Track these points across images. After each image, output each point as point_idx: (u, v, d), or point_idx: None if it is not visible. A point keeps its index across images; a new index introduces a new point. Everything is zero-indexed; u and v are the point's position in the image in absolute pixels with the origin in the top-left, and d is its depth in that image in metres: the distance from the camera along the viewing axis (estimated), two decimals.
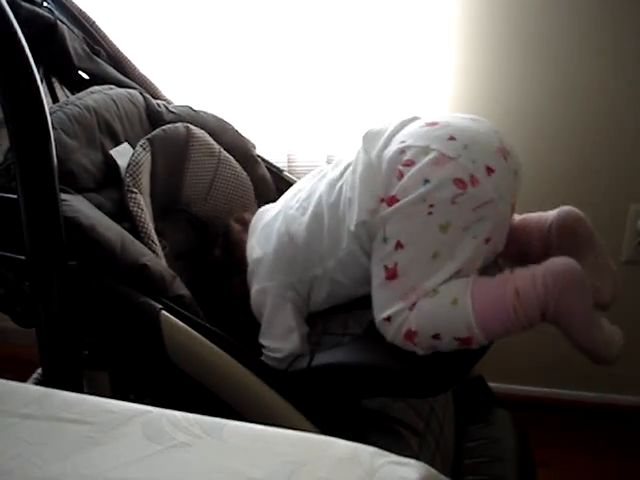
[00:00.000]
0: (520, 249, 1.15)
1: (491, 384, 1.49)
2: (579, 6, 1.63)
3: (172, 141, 1.35)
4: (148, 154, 1.29)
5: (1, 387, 0.83)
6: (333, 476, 0.65)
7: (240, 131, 1.54)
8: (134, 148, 1.30)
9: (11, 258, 1.06)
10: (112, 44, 1.46)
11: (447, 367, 1.04)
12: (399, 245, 1.01)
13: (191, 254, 1.39)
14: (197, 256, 1.39)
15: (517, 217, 1.19)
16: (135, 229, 1.17)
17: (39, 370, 1.30)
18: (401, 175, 1.01)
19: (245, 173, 1.47)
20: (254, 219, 1.29)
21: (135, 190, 1.21)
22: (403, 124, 1.09)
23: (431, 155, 1.00)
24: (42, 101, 0.88)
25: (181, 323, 1.06)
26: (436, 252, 1.00)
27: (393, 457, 0.67)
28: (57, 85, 1.38)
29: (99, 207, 1.17)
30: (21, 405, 0.78)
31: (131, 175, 1.23)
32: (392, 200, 1.02)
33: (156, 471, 0.67)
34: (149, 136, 1.31)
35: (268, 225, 1.22)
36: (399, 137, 1.06)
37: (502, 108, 1.74)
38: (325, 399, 1.10)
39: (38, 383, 1.25)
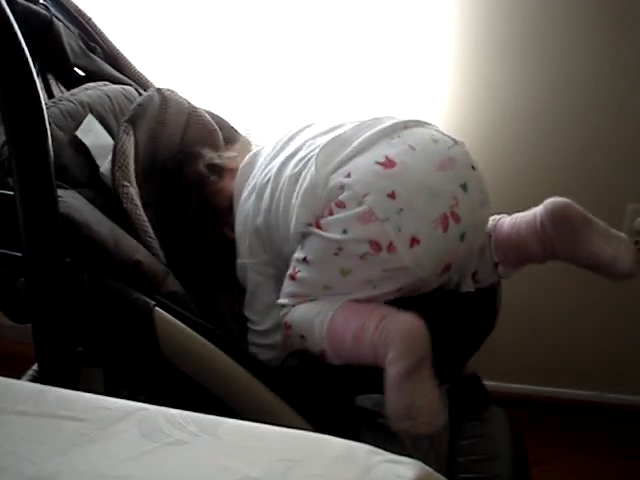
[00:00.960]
0: (518, 255, 1.14)
1: (488, 383, 1.49)
2: (576, 5, 1.63)
3: (149, 113, 1.30)
4: (131, 137, 1.23)
5: None
6: (329, 474, 0.65)
7: (237, 128, 1.53)
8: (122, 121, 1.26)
9: (4, 254, 1.05)
10: (108, 41, 1.45)
11: (439, 363, 1.05)
12: (305, 260, 1.05)
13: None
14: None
15: (507, 222, 1.17)
16: (131, 226, 1.15)
17: (34, 366, 1.29)
18: (331, 213, 1.02)
19: (217, 127, 1.45)
20: (239, 179, 1.24)
21: (126, 184, 1.17)
22: (368, 143, 1.05)
23: (360, 208, 0.99)
24: (39, 98, 0.87)
25: (175, 320, 1.06)
26: (329, 286, 1.05)
27: (388, 455, 0.67)
28: (53, 82, 1.37)
29: (91, 202, 1.16)
30: (16, 402, 0.77)
31: (120, 167, 1.18)
32: (318, 225, 1.03)
33: (152, 469, 0.67)
34: (128, 117, 1.25)
35: (245, 201, 1.20)
36: (350, 167, 1.03)
37: (499, 107, 1.75)
38: (318, 396, 1.11)
39: (34, 379, 1.25)
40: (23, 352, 1.22)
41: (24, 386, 0.82)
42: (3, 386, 0.82)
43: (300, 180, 1.07)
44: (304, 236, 1.06)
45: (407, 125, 1.09)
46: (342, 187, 1.01)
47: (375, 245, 0.98)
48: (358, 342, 1.00)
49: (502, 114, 1.75)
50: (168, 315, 1.05)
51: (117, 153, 1.19)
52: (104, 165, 1.23)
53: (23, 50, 0.88)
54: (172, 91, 1.38)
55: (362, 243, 0.99)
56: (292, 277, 1.08)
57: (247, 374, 1.07)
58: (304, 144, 1.13)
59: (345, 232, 0.99)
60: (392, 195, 0.98)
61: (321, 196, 1.03)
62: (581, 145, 1.75)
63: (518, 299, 1.76)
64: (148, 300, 1.05)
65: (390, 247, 0.98)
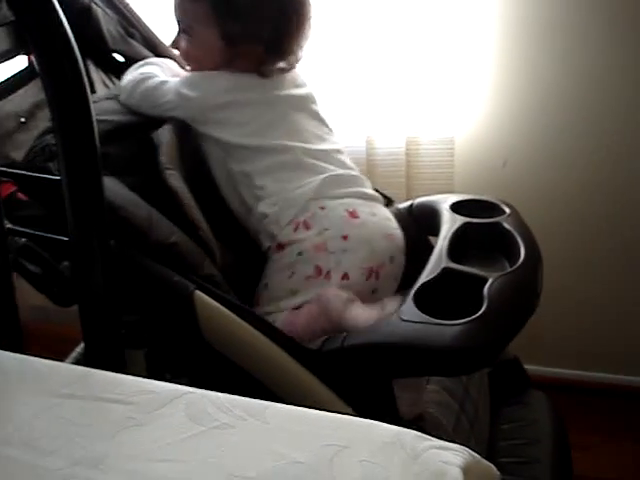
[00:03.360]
0: None
1: (530, 367, 1.48)
2: None
3: None
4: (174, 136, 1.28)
5: (42, 367, 0.83)
6: (376, 460, 0.65)
7: None
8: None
9: (47, 238, 1.06)
10: (146, 26, 1.46)
11: (481, 345, 1.04)
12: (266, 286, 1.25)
13: None
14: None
15: None
16: (177, 205, 1.18)
17: (78, 348, 1.31)
18: (296, 228, 1.23)
19: None
20: None
21: (170, 166, 1.21)
22: (348, 195, 1.27)
23: (318, 238, 1.21)
24: (84, 83, 0.87)
25: (215, 303, 1.06)
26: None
27: (436, 441, 0.67)
28: (92, 67, 1.38)
29: (131, 188, 1.17)
30: (63, 385, 0.78)
31: (164, 153, 1.22)
32: (279, 246, 1.25)
33: (199, 452, 0.68)
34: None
35: None
36: (327, 203, 1.25)
37: (543, 94, 1.74)
38: (358, 379, 1.10)
39: (77, 362, 1.27)
40: (68, 334, 1.23)
41: (70, 369, 0.83)
42: (50, 369, 0.83)
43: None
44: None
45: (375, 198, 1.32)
46: (313, 215, 1.23)
47: (318, 270, 1.20)
48: None
49: (546, 102, 1.75)
50: (209, 298, 1.05)
51: (161, 144, 1.24)
52: None
53: (69, 37, 0.88)
54: None
55: (309, 265, 1.20)
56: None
57: (288, 357, 1.07)
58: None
59: (300, 254, 1.21)
60: (345, 237, 1.21)
61: (296, 206, 1.24)
62: (628, 131, 1.72)
63: (562, 282, 1.74)
64: (188, 282, 1.06)
65: (327, 275, 1.20)
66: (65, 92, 0.87)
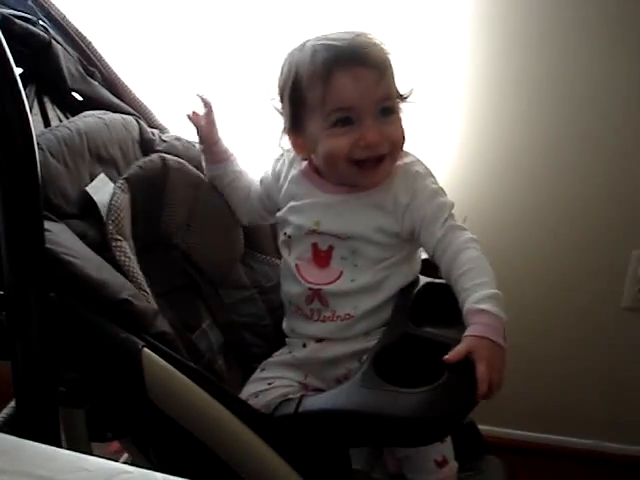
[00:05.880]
0: None
1: (483, 427, 1.45)
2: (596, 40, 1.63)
3: (150, 176, 1.29)
4: (127, 195, 1.22)
5: None
6: None
7: None
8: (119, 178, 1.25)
9: None
10: (107, 66, 1.41)
11: (443, 413, 1.00)
12: None
13: (177, 290, 1.33)
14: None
15: None
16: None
17: (10, 405, 1.23)
18: None
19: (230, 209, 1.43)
20: None
21: (119, 237, 1.14)
22: None
23: None
24: (29, 122, 0.81)
25: (164, 362, 1.00)
26: None
27: None
28: (49, 105, 1.33)
29: (82, 235, 1.11)
30: None
31: (113, 221, 1.15)
32: None
33: None
34: (126, 175, 1.24)
35: None
36: None
37: (505, 151, 1.74)
38: (312, 448, 1.06)
39: (10, 418, 1.18)
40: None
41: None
42: None
43: None
44: None
45: None
46: None
47: None
48: None
49: (509, 161, 1.76)
50: (157, 357, 0.99)
51: (111, 207, 1.17)
52: None
53: (12, 71, 0.82)
54: (180, 162, 1.37)
55: None
56: None
57: (237, 421, 1.01)
58: None
59: None
60: None
61: None
62: (586, 191, 1.73)
63: (517, 344, 1.73)
64: (136, 340, 1.00)
65: None
66: (5, 132, 0.81)
